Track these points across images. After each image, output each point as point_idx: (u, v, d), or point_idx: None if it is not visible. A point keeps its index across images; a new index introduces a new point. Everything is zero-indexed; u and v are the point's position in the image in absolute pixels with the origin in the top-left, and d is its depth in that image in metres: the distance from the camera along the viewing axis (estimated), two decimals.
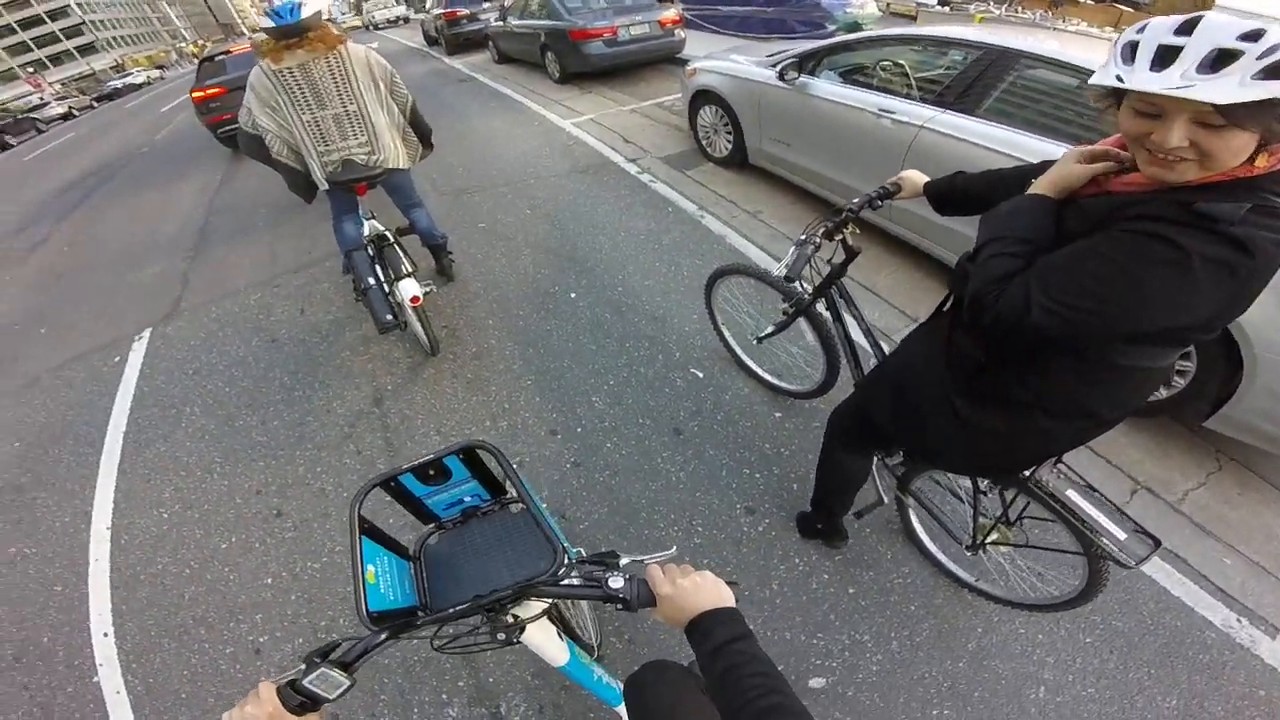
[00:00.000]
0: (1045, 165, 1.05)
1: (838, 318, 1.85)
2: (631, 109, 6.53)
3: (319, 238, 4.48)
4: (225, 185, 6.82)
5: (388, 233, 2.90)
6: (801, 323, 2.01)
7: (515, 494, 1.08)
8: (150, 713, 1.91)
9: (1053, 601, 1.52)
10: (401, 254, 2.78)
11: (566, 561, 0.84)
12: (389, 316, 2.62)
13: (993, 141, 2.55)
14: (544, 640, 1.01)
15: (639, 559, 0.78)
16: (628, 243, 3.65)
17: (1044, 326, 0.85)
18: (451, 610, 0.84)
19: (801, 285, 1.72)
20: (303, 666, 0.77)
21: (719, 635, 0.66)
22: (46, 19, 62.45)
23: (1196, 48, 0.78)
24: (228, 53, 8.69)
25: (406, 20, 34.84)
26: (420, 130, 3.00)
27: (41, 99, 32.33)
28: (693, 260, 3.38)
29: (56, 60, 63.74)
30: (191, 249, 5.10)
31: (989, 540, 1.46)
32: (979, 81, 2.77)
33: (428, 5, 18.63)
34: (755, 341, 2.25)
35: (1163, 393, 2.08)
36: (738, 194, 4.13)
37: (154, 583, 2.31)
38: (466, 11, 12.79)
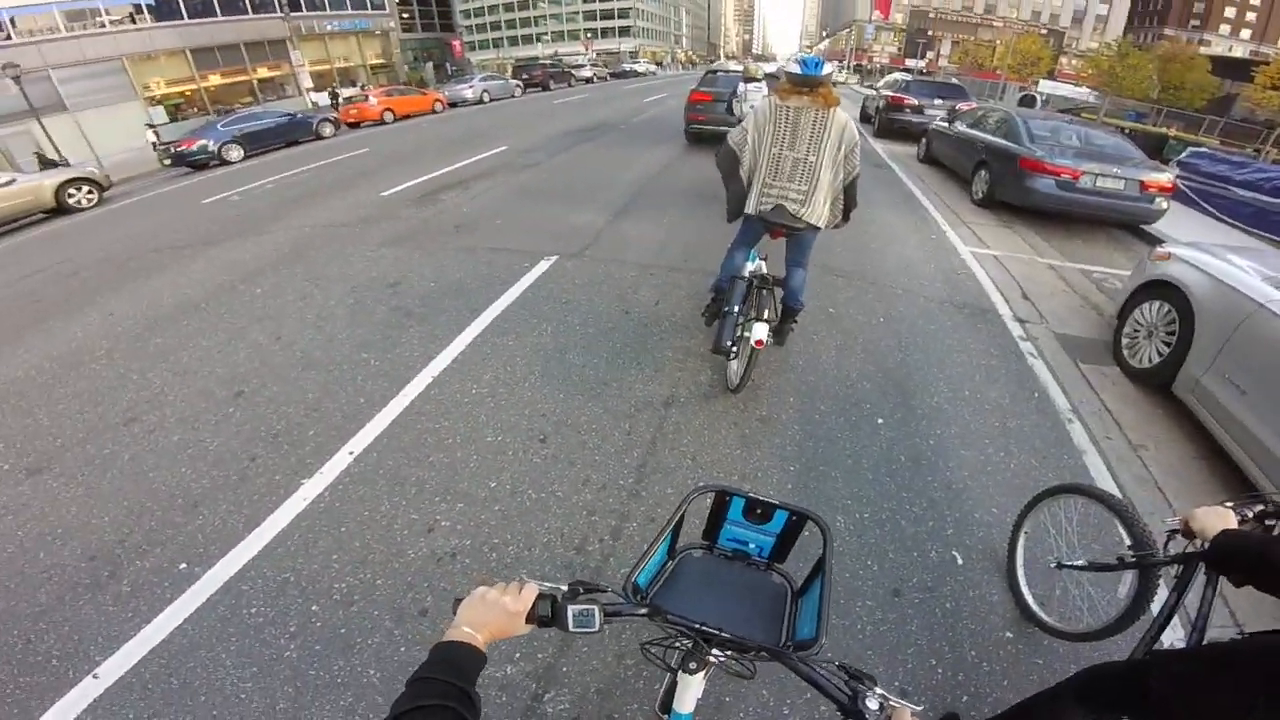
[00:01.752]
0: None
1: (1178, 591, 1.48)
2: (1049, 263, 5.71)
3: (700, 253, 5.16)
4: (658, 178, 8.35)
5: (769, 276, 3.21)
6: (1127, 574, 1.74)
7: (787, 568, 1.13)
8: (306, 526, 2.34)
9: None
10: (772, 300, 3.06)
11: (819, 653, 0.86)
12: (729, 343, 2.92)
13: None
14: (697, 686, 1.04)
15: (888, 696, 0.78)
16: (968, 404, 3.28)
17: None
18: (700, 626, 0.89)
19: (1161, 545, 1.48)
20: (564, 589, 0.83)
21: None
22: None
23: None
24: (725, 70, 11.23)
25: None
26: (849, 201, 3.19)
27: (582, 62, 43.58)
28: (1029, 459, 2.87)
29: (604, 34, 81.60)
30: (613, 215, 6.46)
31: None
32: None
33: (878, 85, 19.24)
34: (1053, 564, 2.04)
35: None
36: (1129, 417, 3.31)
37: (420, 436, 2.85)
38: (915, 102, 12.98)
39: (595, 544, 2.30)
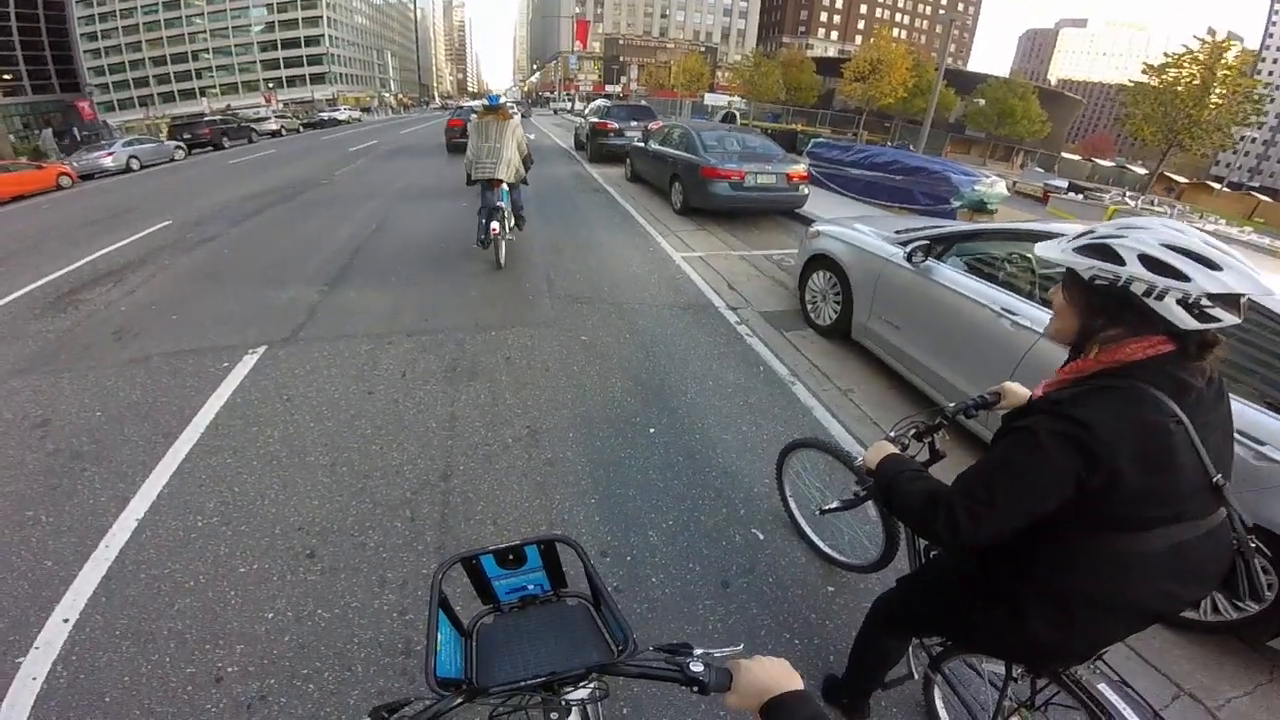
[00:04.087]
0: None
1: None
2: (741, 255, 6.80)
3: (440, 308, 4.89)
4: (377, 234, 7.60)
5: (500, 207, 5.70)
6: (869, 505, 2.05)
7: (574, 588, 1.16)
8: (56, 707, 1.88)
9: None
10: (501, 215, 5.69)
11: (637, 649, 0.92)
12: (483, 237, 5.69)
13: None
14: None
15: (710, 651, 0.84)
16: (714, 393, 3.69)
17: (973, 531, 1.03)
18: (526, 683, 0.90)
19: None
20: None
21: (800, 713, 0.76)
22: (303, 43, 73.13)
23: (1086, 230, 1.08)
24: (461, 106, 21.94)
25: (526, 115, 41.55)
26: (526, 164, 6.08)
27: (265, 114, 37.84)
28: (775, 425, 3.36)
29: (291, 82, 72.94)
30: (328, 284, 5.66)
31: None
32: None
33: (585, 111, 20.97)
34: (818, 513, 2.28)
35: (1232, 613, 2.10)
36: (832, 367, 4.12)
37: (150, 585, 2.34)
38: (616, 126, 14.31)
39: (422, 642, 2.02)
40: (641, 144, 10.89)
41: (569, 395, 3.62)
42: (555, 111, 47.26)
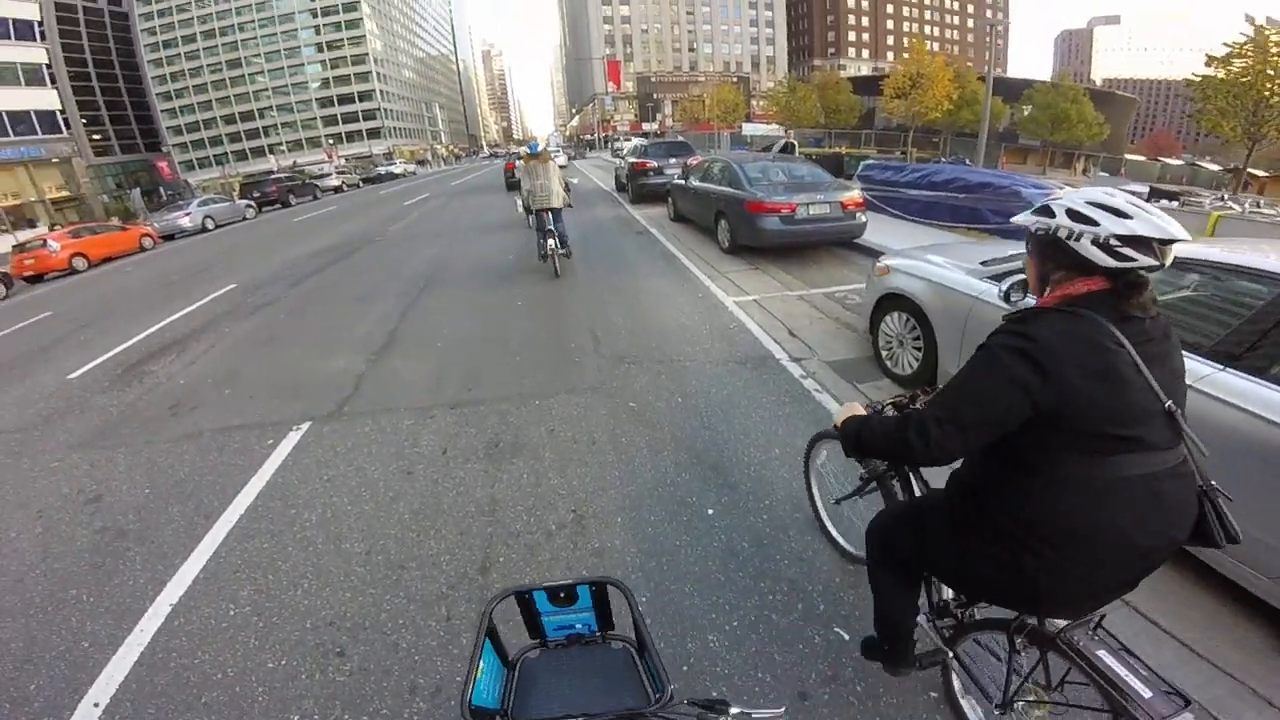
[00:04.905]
0: None
1: (909, 490, 1.91)
2: (800, 295, 6.36)
3: (483, 374, 4.78)
4: (425, 291, 7.75)
5: (551, 229, 7.42)
6: (878, 495, 2.05)
7: (620, 632, 1.17)
8: None
9: None
10: (555, 235, 7.42)
11: (673, 699, 0.90)
12: (543, 254, 7.61)
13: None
14: None
15: (748, 711, 0.80)
16: (782, 463, 3.27)
17: (942, 439, 1.15)
18: (578, 717, 0.92)
19: None
20: None
21: None
22: (357, 98, 78.26)
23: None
24: (512, 152, 33.69)
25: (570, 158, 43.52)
26: (567, 190, 7.59)
27: (327, 170, 40.84)
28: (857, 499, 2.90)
29: (350, 137, 78.10)
30: (376, 351, 5.62)
31: (1020, 699, 1.47)
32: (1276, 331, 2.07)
33: (624, 151, 21.23)
34: (833, 502, 2.35)
35: None
36: None
37: (179, 675, 2.29)
38: (655, 164, 14.15)
39: None
40: (682, 181, 10.64)
41: (617, 473, 3.30)
42: (614, 153, 47.93)
